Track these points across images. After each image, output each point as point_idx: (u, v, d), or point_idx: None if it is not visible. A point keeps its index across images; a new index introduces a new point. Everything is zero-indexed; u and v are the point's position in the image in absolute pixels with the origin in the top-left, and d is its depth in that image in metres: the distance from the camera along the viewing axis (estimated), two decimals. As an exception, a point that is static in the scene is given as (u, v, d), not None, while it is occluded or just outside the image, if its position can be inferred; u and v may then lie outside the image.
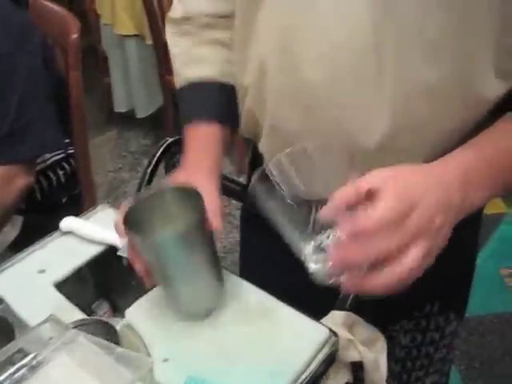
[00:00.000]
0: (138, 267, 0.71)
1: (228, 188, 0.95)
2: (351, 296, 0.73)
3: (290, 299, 0.75)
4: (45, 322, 0.53)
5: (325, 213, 0.53)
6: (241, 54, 0.76)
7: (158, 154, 0.93)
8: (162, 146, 0.94)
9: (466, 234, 0.82)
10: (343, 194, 0.52)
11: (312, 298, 0.69)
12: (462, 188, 0.56)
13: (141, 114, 2.75)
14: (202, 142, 0.82)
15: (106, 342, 0.54)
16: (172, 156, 0.96)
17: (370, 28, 0.60)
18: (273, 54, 0.68)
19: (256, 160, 0.88)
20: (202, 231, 0.68)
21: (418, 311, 0.88)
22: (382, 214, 0.50)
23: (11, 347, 0.49)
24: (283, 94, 0.70)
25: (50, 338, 0.50)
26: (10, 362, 0.48)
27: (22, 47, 1.20)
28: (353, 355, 0.72)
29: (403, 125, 0.65)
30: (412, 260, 0.51)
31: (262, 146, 0.80)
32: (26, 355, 0.49)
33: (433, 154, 0.64)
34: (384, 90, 0.63)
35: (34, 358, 0.48)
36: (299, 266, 0.89)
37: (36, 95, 1.23)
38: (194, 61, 0.84)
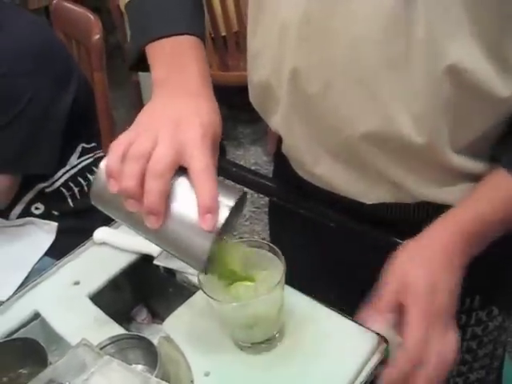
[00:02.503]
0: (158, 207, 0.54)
1: (253, 182, 0.92)
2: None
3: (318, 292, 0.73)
4: (77, 347, 0.50)
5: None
6: (254, 20, 0.73)
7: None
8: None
9: None
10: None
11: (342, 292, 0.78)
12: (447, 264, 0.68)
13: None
14: (178, 54, 0.64)
15: (139, 372, 0.51)
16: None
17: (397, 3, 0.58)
18: (296, 22, 0.65)
19: (281, 151, 0.84)
20: None
21: (458, 306, 0.84)
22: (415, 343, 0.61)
23: (42, 377, 0.47)
24: (303, 65, 0.67)
25: (83, 365, 0.48)
26: (41, 394, 0.46)
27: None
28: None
29: (433, 104, 0.62)
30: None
31: (276, 124, 0.76)
32: (57, 386, 0.46)
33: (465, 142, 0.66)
34: (412, 69, 0.60)
35: (65, 389, 0.46)
36: (327, 256, 0.87)
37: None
38: None
